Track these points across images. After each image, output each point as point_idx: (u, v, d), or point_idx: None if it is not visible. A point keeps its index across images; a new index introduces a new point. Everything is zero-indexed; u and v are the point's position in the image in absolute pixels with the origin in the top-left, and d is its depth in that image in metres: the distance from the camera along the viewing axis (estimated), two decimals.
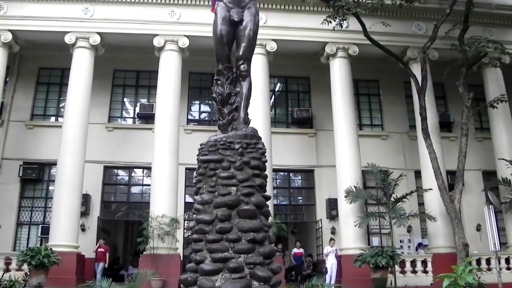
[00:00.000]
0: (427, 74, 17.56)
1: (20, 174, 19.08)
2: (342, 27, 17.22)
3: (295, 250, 19.08)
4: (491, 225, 14.55)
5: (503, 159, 18.48)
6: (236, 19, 6.87)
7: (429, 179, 17.50)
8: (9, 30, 18.11)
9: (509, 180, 17.82)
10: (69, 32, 18.09)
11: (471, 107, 17.40)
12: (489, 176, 20.42)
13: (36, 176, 19.17)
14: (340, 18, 16.95)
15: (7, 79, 19.52)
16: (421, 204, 19.55)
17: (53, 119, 20.85)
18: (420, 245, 19.74)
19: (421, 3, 18.95)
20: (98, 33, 18.27)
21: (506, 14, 20.39)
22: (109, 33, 18.55)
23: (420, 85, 17.28)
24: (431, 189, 17.30)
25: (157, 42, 18.40)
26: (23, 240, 18.84)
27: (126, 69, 21.21)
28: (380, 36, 17.97)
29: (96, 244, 17.72)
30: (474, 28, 18.00)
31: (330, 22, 17.02)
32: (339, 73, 18.97)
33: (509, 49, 18.06)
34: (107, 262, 17.49)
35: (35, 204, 19.46)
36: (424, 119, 16.95)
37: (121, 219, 21.77)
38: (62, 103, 20.03)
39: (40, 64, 20.80)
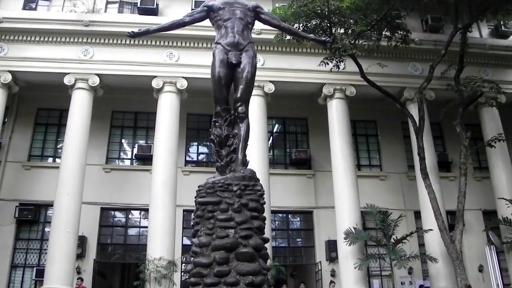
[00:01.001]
0: (425, 114, 17.63)
1: (16, 215, 18.81)
2: (339, 68, 17.47)
3: None
4: (494, 265, 14.41)
5: (503, 198, 18.36)
6: (234, 62, 6.94)
7: (429, 220, 17.32)
8: (9, 71, 18.26)
9: (510, 219, 17.65)
10: (68, 73, 18.27)
11: (469, 147, 17.38)
12: (490, 215, 20.24)
13: (32, 218, 18.89)
14: (337, 60, 17.19)
15: (5, 120, 19.58)
16: (421, 245, 19.29)
17: (50, 160, 20.76)
18: (421, 287, 19.40)
19: (417, 45, 19.27)
20: (97, 74, 18.44)
21: (500, 55, 20.76)
22: (108, 75, 18.73)
23: (417, 125, 17.31)
24: (431, 230, 17.11)
25: (155, 83, 18.56)
26: (17, 283, 18.42)
27: (125, 110, 21.25)
28: (377, 77, 18.15)
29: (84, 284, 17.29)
30: (469, 68, 18.24)
31: (327, 63, 17.26)
32: (336, 114, 19.07)
33: (504, 88, 18.16)
34: None
35: (30, 246, 19.10)
36: (422, 159, 16.93)
37: (118, 262, 21.41)
38: (60, 144, 20.00)
39: (39, 105, 20.85)
